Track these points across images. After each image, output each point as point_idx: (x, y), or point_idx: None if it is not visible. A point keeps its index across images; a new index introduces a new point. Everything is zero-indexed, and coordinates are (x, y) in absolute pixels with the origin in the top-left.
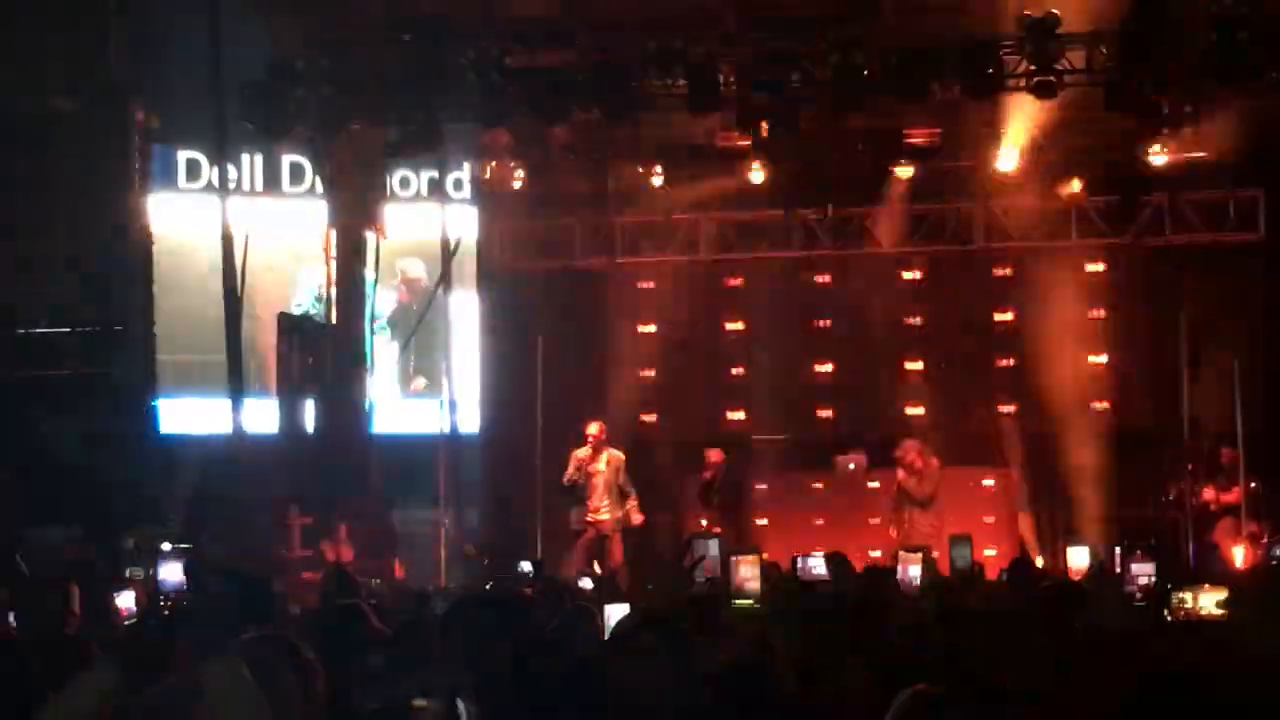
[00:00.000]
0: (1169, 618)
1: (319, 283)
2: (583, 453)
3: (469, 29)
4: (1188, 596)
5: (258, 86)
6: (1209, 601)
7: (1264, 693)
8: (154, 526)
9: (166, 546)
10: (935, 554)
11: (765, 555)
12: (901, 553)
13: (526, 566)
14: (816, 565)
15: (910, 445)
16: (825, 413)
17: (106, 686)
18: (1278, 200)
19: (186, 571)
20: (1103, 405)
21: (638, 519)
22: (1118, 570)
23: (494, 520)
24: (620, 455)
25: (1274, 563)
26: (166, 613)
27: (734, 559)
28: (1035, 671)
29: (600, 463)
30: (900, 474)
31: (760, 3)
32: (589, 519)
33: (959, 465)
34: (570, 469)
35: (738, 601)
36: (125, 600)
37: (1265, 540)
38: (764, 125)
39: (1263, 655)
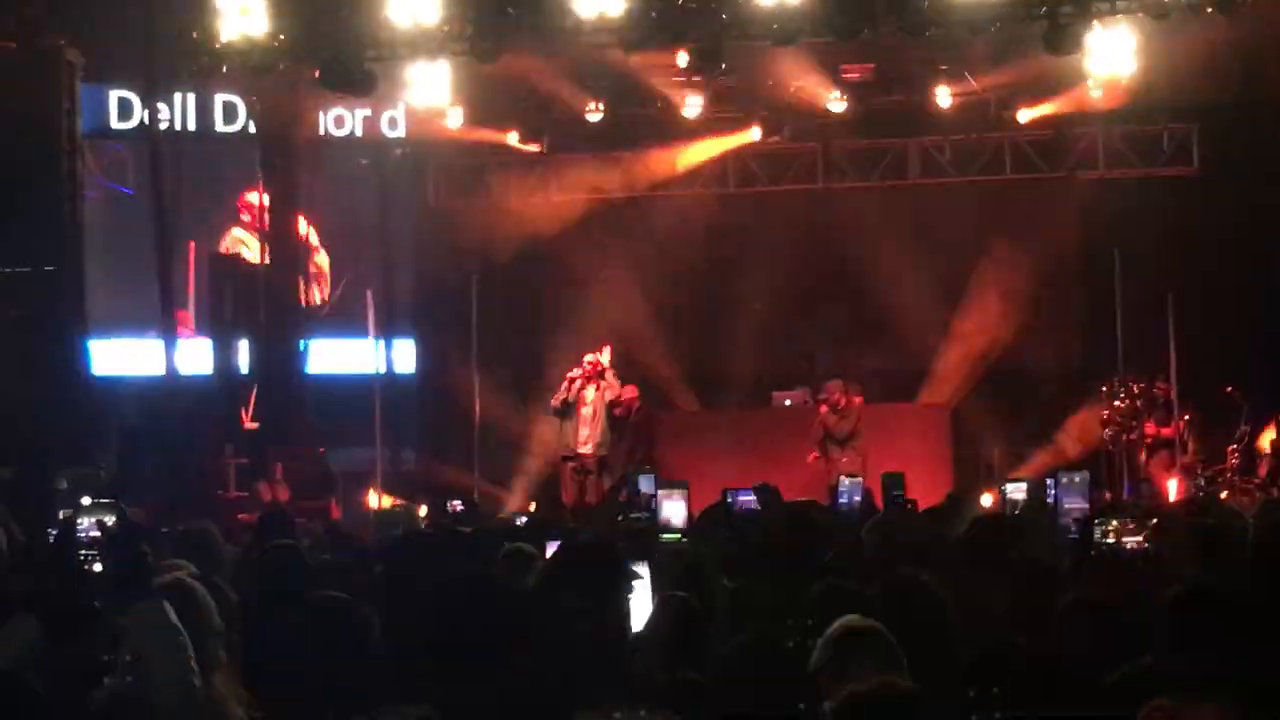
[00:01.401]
0: (1093, 550)
1: (251, 222)
2: (575, 376)
3: None
4: (1112, 528)
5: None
6: (1129, 538)
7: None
8: (86, 467)
9: (86, 501)
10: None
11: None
12: (843, 478)
13: (458, 504)
14: (747, 499)
15: (834, 385)
16: (755, 348)
17: (27, 639)
18: (1211, 134)
19: (101, 527)
20: (1039, 341)
21: (615, 392)
22: (1050, 503)
23: (430, 460)
24: (618, 387)
25: (1200, 493)
26: (84, 568)
27: (660, 493)
28: (973, 604)
29: (589, 391)
30: (823, 410)
31: None
32: (574, 449)
33: (887, 402)
34: (560, 391)
35: (664, 536)
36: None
37: (1199, 472)
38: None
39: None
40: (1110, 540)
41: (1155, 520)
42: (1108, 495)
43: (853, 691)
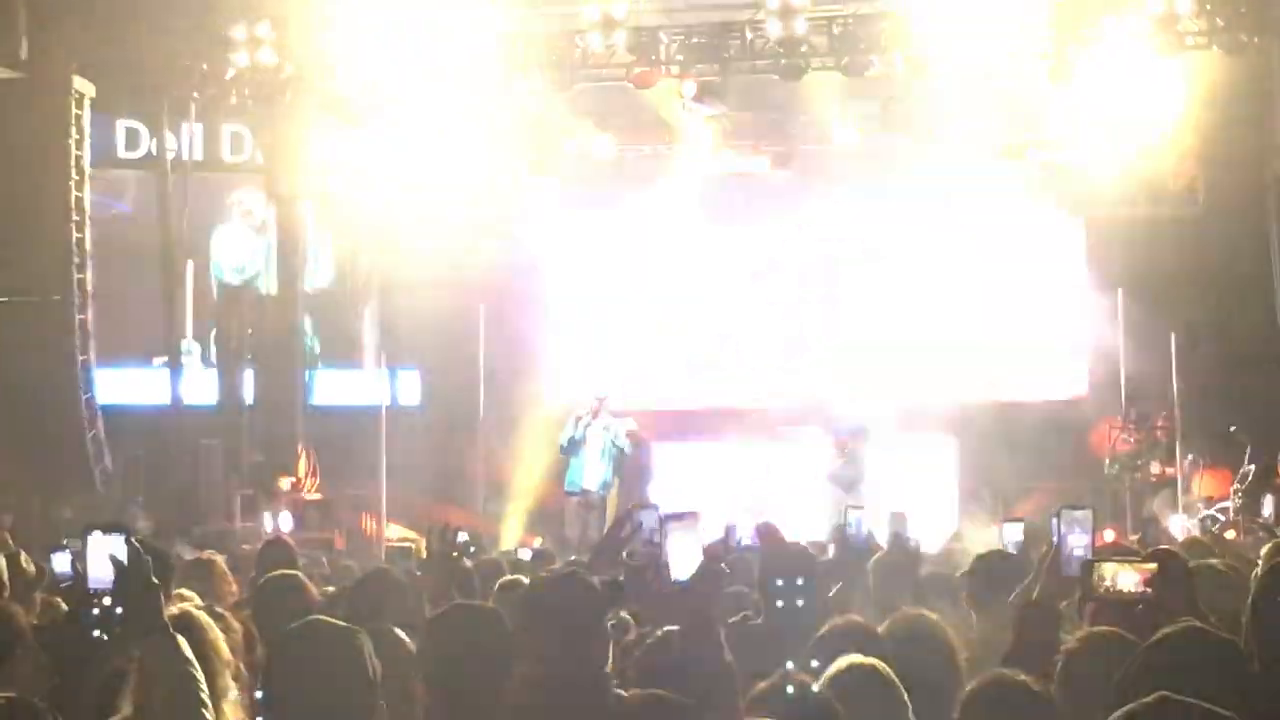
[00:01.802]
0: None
1: (259, 253)
2: (582, 414)
3: None
4: (1108, 571)
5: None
6: (1129, 579)
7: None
8: (90, 497)
9: (96, 533)
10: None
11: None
12: (850, 510)
13: (463, 537)
14: (746, 536)
15: (843, 430)
16: (769, 382)
17: (34, 671)
18: (1216, 175)
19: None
20: (1043, 376)
21: (625, 440)
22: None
23: (436, 492)
24: (621, 424)
25: (1208, 535)
26: (96, 611)
27: (670, 526)
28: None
29: (600, 426)
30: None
31: None
32: (580, 485)
33: (893, 433)
34: (566, 429)
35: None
36: (61, 562)
37: (1201, 512)
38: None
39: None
40: (1107, 583)
41: (1156, 563)
42: (1113, 534)
43: None
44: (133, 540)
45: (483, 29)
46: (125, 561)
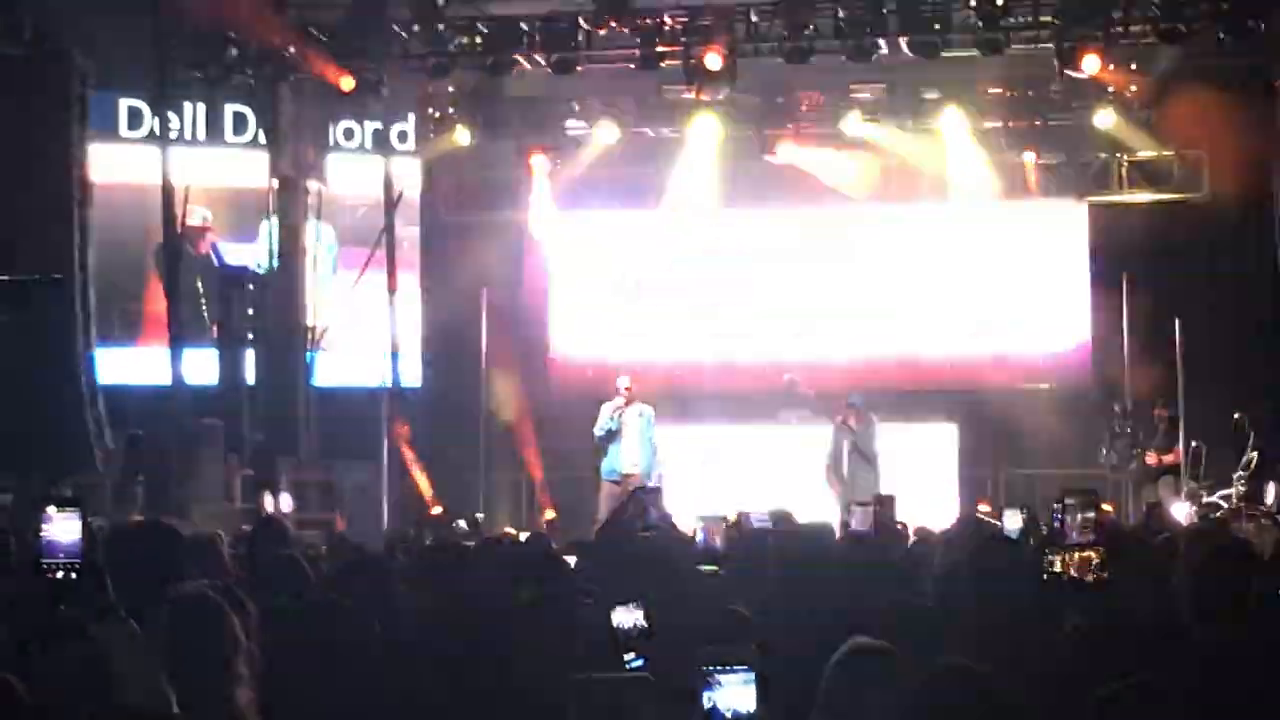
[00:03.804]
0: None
1: (260, 233)
2: (615, 404)
3: None
4: (1058, 559)
5: (199, 33)
6: (1085, 563)
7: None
8: (90, 476)
9: (50, 509)
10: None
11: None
12: (854, 506)
13: (463, 524)
14: (761, 521)
15: (854, 400)
16: (766, 366)
17: None
18: (1221, 161)
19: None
20: (1044, 364)
21: (657, 478)
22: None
23: (437, 475)
24: (650, 408)
25: (1211, 517)
26: (51, 577)
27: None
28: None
29: (634, 413)
30: (839, 420)
31: None
32: (620, 471)
33: (899, 420)
34: (602, 419)
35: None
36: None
37: (1204, 498)
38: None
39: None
40: (1056, 570)
41: (1107, 550)
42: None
43: None
44: (85, 517)
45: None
46: (79, 538)
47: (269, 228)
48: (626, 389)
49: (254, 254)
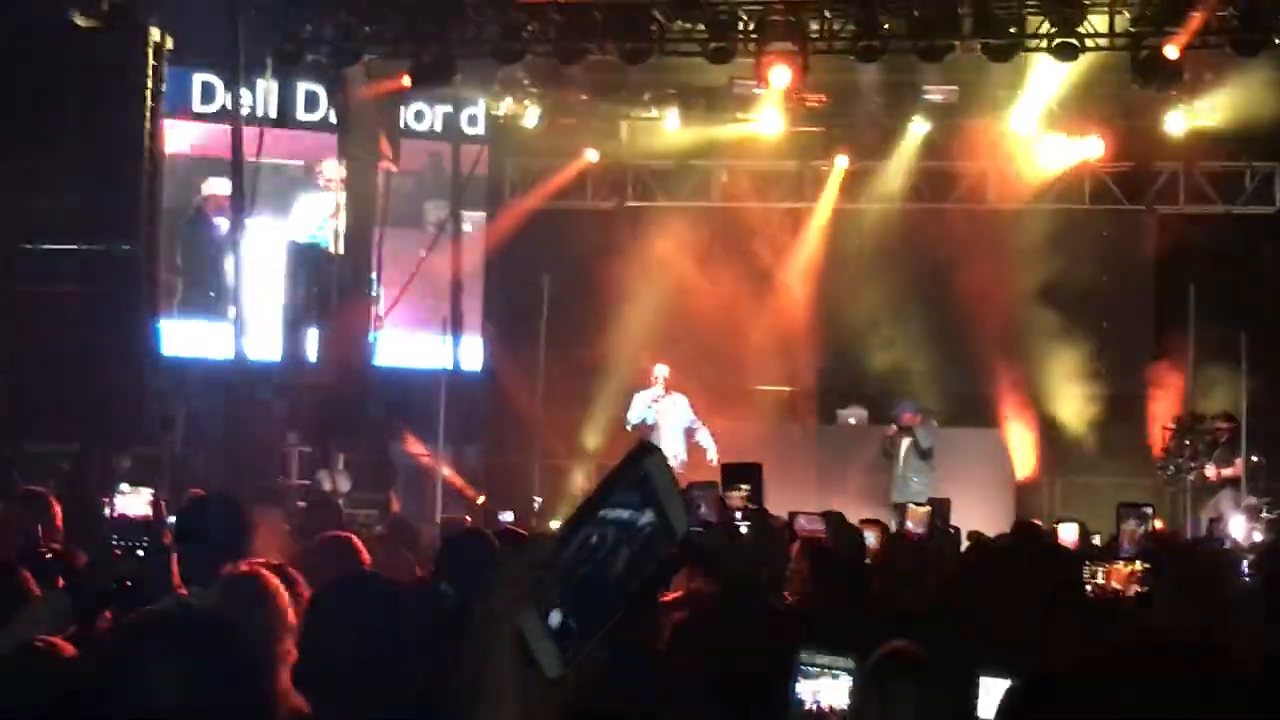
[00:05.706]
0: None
1: (328, 212)
2: (652, 393)
3: None
4: (1100, 571)
5: (273, 12)
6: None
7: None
8: (150, 448)
9: (124, 486)
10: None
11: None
12: (911, 506)
13: (508, 516)
14: (813, 523)
15: (909, 404)
16: (822, 365)
17: (58, 618)
18: None
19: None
20: (1105, 375)
21: (714, 455)
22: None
23: (493, 458)
24: (684, 398)
25: (1273, 535)
26: (118, 551)
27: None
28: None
29: (671, 402)
30: (891, 431)
31: None
32: None
33: (955, 426)
34: (638, 408)
35: None
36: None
37: (1264, 514)
38: (781, 74)
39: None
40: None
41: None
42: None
43: None
44: (157, 498)
45: None
46: (151, 516)
47: (336, 206)
48: (665, 378)
49: (290, 230)
